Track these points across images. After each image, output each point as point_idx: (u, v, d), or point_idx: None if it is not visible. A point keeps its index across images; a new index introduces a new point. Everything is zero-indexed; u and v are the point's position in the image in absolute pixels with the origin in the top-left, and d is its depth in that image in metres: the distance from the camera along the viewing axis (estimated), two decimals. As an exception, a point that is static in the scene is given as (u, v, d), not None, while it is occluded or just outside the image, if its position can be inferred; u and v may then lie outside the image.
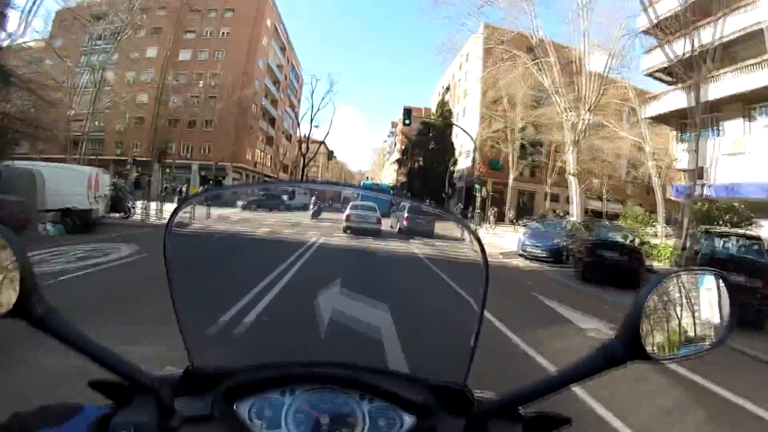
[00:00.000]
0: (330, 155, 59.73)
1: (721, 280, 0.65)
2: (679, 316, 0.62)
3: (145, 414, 0.72)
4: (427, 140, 50.41)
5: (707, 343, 0.63)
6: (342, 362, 0.93)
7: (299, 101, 68.30)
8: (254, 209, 11.02)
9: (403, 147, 60.22)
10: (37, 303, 0.61)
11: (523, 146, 44.20)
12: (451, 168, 47.22)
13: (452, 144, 49.54)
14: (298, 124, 57.67)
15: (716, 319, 0.64)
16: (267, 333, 2.49)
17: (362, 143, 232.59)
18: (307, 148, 55.78)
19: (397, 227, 11.22)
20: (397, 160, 58.85)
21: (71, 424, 0.68)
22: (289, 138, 60.36)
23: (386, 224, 9.59)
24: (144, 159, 45.82)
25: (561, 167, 35.03)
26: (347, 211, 7.79)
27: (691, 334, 0.62)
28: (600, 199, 47.05)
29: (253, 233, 7.68)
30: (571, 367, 0.63)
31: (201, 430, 0.76)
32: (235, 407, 0.82)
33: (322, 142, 58.53)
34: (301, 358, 0.93)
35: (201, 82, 45.18)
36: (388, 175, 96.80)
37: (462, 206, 44.00)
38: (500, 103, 43.35)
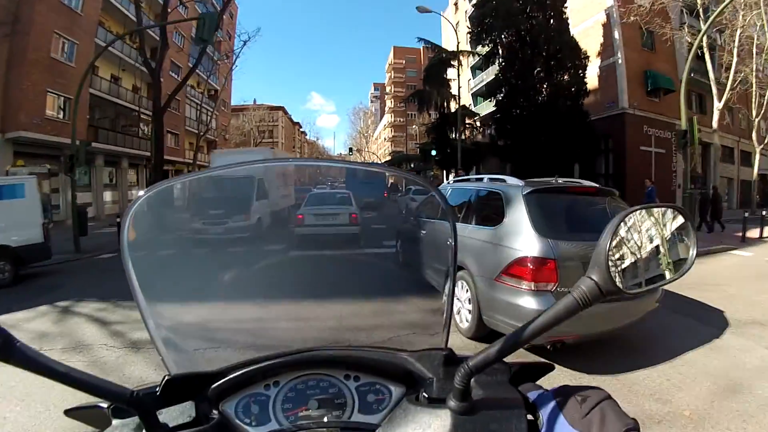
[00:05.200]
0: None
1: (679, 213, 0.68)
2: (645, 249, 0.64)
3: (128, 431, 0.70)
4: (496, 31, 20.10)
5: (673, 272, 0.66)
6: (321, 346, 0.92)
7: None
8: None
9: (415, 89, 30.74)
10: None
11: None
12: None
13: (567, 30, 20.37)
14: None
15: (678, 249, 0.67)
16: (243, 331, 2.12)
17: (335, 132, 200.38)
18: (162, 46, 17.43)
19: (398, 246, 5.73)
20: (413, 95, 27.31)
21: None
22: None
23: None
24: None
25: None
26: (300, 209, 5.95)
27: (657, 264, 0.65)
28: None
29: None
30: (549, 313, 0.63)
31: None
32: (221, 408, 0.80)
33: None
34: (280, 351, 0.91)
35: None
36: (381, 147, 69.44)
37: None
38: None
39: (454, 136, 25.33)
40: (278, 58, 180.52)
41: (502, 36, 20.39)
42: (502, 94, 20.53)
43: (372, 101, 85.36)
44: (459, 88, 21.08)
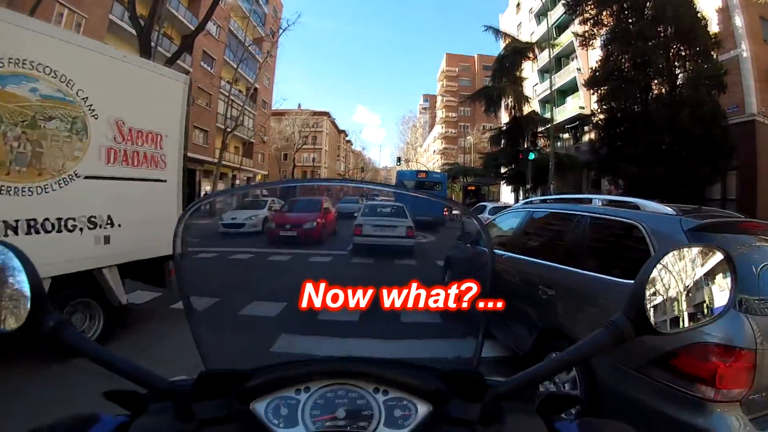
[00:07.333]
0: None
1: (720, 253, 0.65)
2: (682, 288, 0.63)
3: (162, 419, 0.72)
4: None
5: (710, 314, 0.64)
6: (353, 357, 0.95)
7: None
8: None
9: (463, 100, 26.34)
10: (47, 317, 0.60)
11: None
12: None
13: (693, 5, 14.73)
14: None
15: (717, 291, 0.64)
16: (279, 334, 2.01)
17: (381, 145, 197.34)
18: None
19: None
20: (480, 92, 22.70)
21: None
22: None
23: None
24: None
25: None
26: (358, 220, 4.67)
27: (694, 305, 0.63)
28: None
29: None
30: (580, 345, 0.63)
31: (218, 431, 0.76)
32: (251, 407, 0.82)
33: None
34: (314, 356, 0.91)
35: None
36: (429, 160, 65.15)
37: None
38: None
39: (525, 145, 20.76)
40: (325, 69, 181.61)
41: (607, 10, 15.22)
42: (607, 87, 15.28)
43: (421, 112, 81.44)
44: (551, 68, 16.29)
